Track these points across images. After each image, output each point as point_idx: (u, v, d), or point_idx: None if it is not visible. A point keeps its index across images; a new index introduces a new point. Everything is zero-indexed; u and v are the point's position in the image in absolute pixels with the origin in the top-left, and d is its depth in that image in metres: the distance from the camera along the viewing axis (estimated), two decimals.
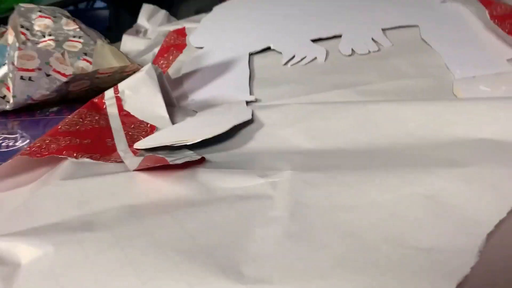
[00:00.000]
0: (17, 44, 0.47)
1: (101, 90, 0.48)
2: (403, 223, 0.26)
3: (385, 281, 0.22)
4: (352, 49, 0.60)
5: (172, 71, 0.61)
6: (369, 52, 0.59)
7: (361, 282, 0.22)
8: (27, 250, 0.27)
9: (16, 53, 0.46)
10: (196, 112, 0.50)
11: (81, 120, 0.42)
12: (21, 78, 0.47)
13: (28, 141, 0.49)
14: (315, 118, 0.41)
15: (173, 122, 0.45)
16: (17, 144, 0.49)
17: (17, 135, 0.50)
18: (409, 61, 0.54)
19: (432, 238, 0.25)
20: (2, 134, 0.50)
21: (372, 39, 0.62)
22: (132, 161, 0.36)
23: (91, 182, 0.33)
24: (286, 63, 0.60)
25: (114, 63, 0.53)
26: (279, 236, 0.26)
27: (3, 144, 0.48)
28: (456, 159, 0.31)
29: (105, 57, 0.54)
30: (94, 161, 0.37)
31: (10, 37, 0.52)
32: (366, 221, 0.26)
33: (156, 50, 0.69)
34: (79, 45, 0.62)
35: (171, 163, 0.34)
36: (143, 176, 0.34)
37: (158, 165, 0.34)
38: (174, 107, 0.53)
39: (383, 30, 0.64)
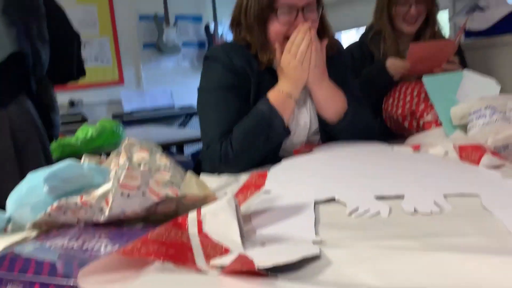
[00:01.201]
0: (127, 164, 0.56)
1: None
2: None
3: None
4: (415, 208, 0.64)
5: (243, 207, 0.68)
6: (431, 212, 0.62)
7: None
8: None
9: (124, 172, 0.55)
10: (264, 243, 0.54)
11: (167, 233, 0.48)
12: (121, 194, 0.55)
13: (110, 250, 0.54)
14: (382, 260, 0.44)
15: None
16: (101, 250, 0.54)
17: (102, 244, 0.56)
18: (471, 223, 0.57)
19: None
20: (91, 241, 0.56)
21: (434, 202, 0.66)
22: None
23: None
24: (350, 214, 0.65)
25: (199, 192, 0.60)
26: None
27: (89, 248, 0.54)
28: None
29: (192, 187, 0.61)
30: (177, 267, 0.41)
31: (122, 158, 0.62)
32: None
33: (228, 189, 0.76)
34: (167, 176, 0.71)
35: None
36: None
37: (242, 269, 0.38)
38: (243, 237, 0.57)
39: (445, 195, 0.68)
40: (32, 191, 0.61)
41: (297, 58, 1.02)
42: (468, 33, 1.86)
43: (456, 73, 1.19)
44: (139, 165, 0.73)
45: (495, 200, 0.65)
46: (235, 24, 1.14)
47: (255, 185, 0.69)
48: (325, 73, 1.08)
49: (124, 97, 4.19)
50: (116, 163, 0.65)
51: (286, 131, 1.07)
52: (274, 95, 1.05)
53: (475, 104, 0.99)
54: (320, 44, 1.05)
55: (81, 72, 1.33)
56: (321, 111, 1.12)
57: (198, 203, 0.59)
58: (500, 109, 0.96)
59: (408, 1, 1.45)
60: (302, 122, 1.15)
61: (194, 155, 1.53)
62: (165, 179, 0.70)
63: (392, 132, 1.34)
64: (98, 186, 0.62)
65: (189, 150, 2.83)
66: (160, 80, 4.49)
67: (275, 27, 1.07)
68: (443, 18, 2.92)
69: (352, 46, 1.59)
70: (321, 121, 1.14)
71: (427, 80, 1.17)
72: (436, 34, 1.51)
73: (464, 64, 1.54)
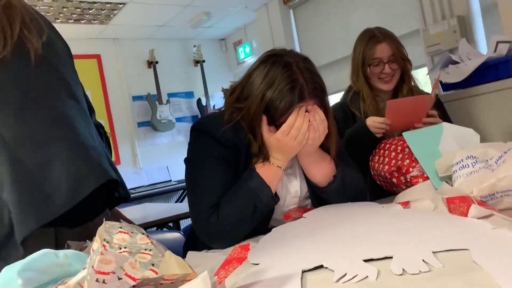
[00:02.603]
0: (100, 250, 0.54)
1: None
2: None
3: None
4: (403, 269, 0.62)
5: (228, 282, 0.65)
6: (420, 272, 0.60)
7: None
8: None
9: (98, 257, 0.53)
10: None
11: None
12: (97, 280, 0.53)
13: None
14: None
15: None
16: None
17: None
18: (460, 280, 0.55)
19: None
20: None
21: (423, 260, 0.64)
22: None
23: None
24: (338, 280, 0.63)
25: (177, 270, 0.58)
26: None
27: None
28: None
29: (171, 266, 0.59)
30: None
31: (96, 243, 0.60)
32: None
33: (215, 265, 0.74)
34: (149, 257, 0.69)
35: None
36: None
37: None
38: None
39: (434, 252, 0.67)
40: (7, 285, 0.59)
41: (297, 140, 1.02)
42: (446, 86, 1.91)
43: (435, 126, 1.20)
44: (120, 247, 0.71)
45: (485, 253, 0.63)
46: (235, 95, 1.09)
47: (237, 259, 0.67)
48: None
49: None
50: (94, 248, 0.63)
51: (274, 200, 1.06)
52: (264, 168, 1.05)
53: (457, 155, 0.99)
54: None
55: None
56: (310, 175, 1.12)
57: (178, 283, 0.56)
58: (482, 158, 0.96)
59: (380, 60, 1.51)
60: (293, 190, 1.15)
61: (186, 230, 1.51)
62: (146, 260, 0.68)
63: (383, 189, 1.33)
64: (75, 273, 0.60)
65: (186, 224, 2.79)
66: (156, 156, 4.54)
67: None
68: (423, 74, 3.03)
69: (333, 108, 1.62)
70: (311, 185, 1.14)
71: (407, 135, 1.18)
72: (413, 90, 1.55)
73: (445, 115, 1.57)
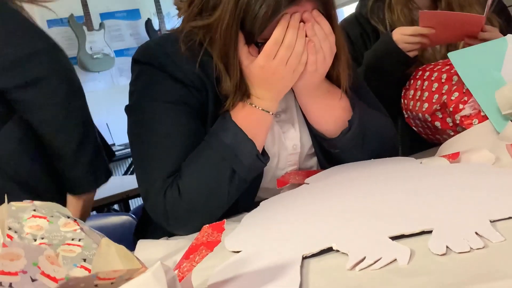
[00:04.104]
0: (1, 241, 0.54)
1: None
2: None
3: None
4: (447, 247, 0.63)
5: (196, 278, 0.66)
6: (471, 249, 0.62)
7: None
8: None
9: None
10: None
11: None
12: (0, 285, 0.54)
13: None
14: None
15: None
16: None
17: None
18: None
19: None
20: None
21: (476, 233, 0.65)
22: None
23: None
24: (353, 267, 0.64)
25: (119, 265, 0.58)
26: None
27: None
28: None
29: (110, 259, 0.60)
30: None
31: None
32: None
33: (178, 257, 0.75)
34: (78, 250, 0.70)
35: None
36: None
37: None
38: None
39: (492, 222, 0.68)
40: None
41: (289, 66, 1.00)
42: None
43: (496, 41, 1.20)
44: (35, 238, 0.71)
45: None
46: (195, 7, 1.06)
47: (207, 244, 0.68)
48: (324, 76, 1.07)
49: None
50: None
51: (262, 160, 1.05)
52: (243, 112, 1.04)
53: None
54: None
55: None
56: (315, 122, 1.12)
57: (120, 282, 0.57)
58: None
59: None
60: (290, 145, 1.15)
61: (138, 211, 1.51)
62: (73, 254, 0.68)
63: (421, 138, 1.34)
64: None
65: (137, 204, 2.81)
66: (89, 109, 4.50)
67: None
68: None
69: (346, 23, 1.61)
70: (317, 137, 1.14)
71: (454, 56, 1.18)
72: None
73: (510, 25, 1.57)
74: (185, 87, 1.07)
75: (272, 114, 1.06)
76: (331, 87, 1.11)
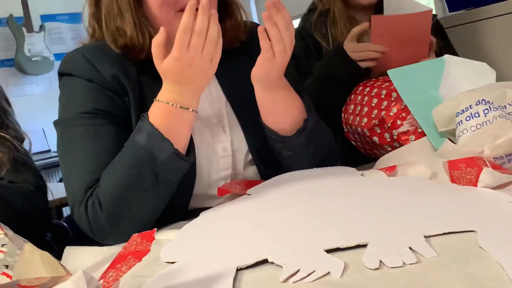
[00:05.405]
0: None
1: None
2: None
3: None
4: (381, 261, 0.63)
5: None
6: (404, 264, 0.62)
7: None
8: None
9: None
10: None
11: None
12: None
13: None
14: None
15: None
16: None
17: None
18: (460, 272, 0.57)
19: None
20: None
21: (410, 248, 0.66)
22: None
23: None
24: (286, 280, 0.63)
25: (43, 272, 0.56)
26: None
27: None
28: None
29: (32, 265, 0.57)
30: None
31: None
32: None
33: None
34: (1, 255, 0.67)
35: None
36: None
37: None
38: None
39: (426, 237, 0.69)
40: None
41: (205, 51, 0.96)
42: (453, 3, 1.96)
43: (434, 60, 1.23)
44: None
45: (496, 236, 0.66)
46: (95, 15, 1.12)
47: (135, 253, 0.66)
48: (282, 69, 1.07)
49: None
50: None
51: (182, 157, 1.00)
52: (160, 111, 1.00)
53: (463, 99, 1.01)
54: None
55: None
56: (274, 121, 1.12)
57: None
58: (498, 102, 0.99)
59: None
60: (220, 148, 1.14)
61: (69, 220, 1.49)
62: None
63: (359, 153, 1.36)
64: None
65: None
66: (25, 113, 4.37)
67: None
68: None
69: None
70: (270, 139, 1.14)
71: (393, 73, 1.20)
72: None
73: (447, 45, 1.62)
74: (106, 91, 1.07)
75: (193, 111, 1.02)
76: (288, 85, 1.12)
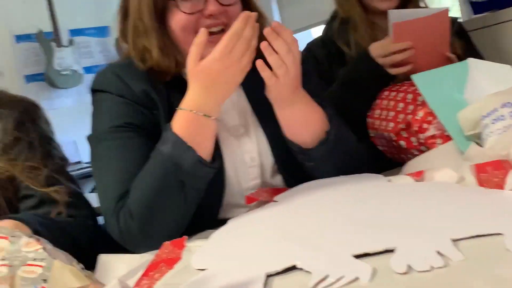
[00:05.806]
0: None
1: None
2: None
3: None
4: (409, 266, 0.64)
5: None
6: (432, 268, 0.62)
7: None
8: None
9: None
10: None
11: None
12: None
13: None
14: None
15: None
16: None
17: None
18: (486, 276, 0.57)
19: None
20: None
21: (438, 252, 0.66)
22: None
23: None
24: (315, 286, 0.64)
25: (74, 283, 0.58)
26: None
27: None
28: None
29: (63, 278, 0.59)
30: None
31: None
32: None
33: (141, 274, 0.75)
34: (39, 270, 0.69)
35: None
36: None
37: None
38: None
39: (454, 241, 0.69)
40: None
41: (244, 59, 1.00)
42: (478, 6, 1.94)
43: (458, 64, 1.22)
44: None
45: None
46: (123, 32, 1.17)
47: (167, 261, 0.68)
48: (299, 79, 1.07)
49: None
50: None
51: (207, 164, 1.02)
52: (183, 120, 1.02)
53: (488, 102, 1.01)
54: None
55: None
56: (294, 134, 1.12)
57: None
58: None
59: None
60: (247, 158, 1.16)
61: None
62: (34, 275, 0.68)
63: (386, 157, 1.36)
64: None
65: None
66: (56, 126, 4.43)
67: (179, 20, 1.08)
68: None
69: (312, 46, 1.64)
70: (293, 151, 1.14)
71: (418, 78, 1.20)
72: None
73: (471, 48, 1.61)
74: (138, 106, 1.10)
75: (215, 119, 1.04)
76: (306, 97, 1.11)
